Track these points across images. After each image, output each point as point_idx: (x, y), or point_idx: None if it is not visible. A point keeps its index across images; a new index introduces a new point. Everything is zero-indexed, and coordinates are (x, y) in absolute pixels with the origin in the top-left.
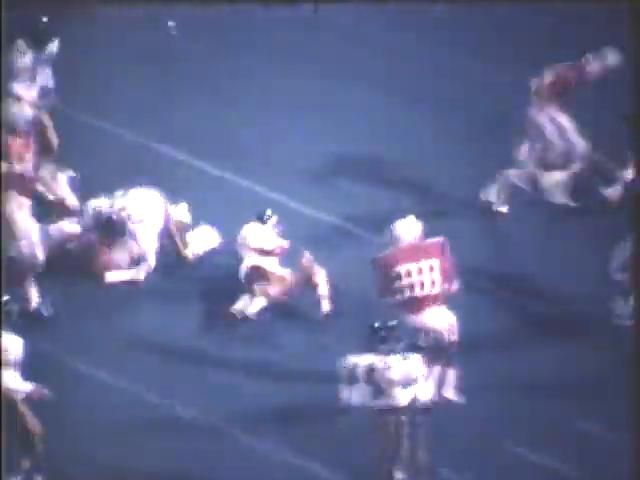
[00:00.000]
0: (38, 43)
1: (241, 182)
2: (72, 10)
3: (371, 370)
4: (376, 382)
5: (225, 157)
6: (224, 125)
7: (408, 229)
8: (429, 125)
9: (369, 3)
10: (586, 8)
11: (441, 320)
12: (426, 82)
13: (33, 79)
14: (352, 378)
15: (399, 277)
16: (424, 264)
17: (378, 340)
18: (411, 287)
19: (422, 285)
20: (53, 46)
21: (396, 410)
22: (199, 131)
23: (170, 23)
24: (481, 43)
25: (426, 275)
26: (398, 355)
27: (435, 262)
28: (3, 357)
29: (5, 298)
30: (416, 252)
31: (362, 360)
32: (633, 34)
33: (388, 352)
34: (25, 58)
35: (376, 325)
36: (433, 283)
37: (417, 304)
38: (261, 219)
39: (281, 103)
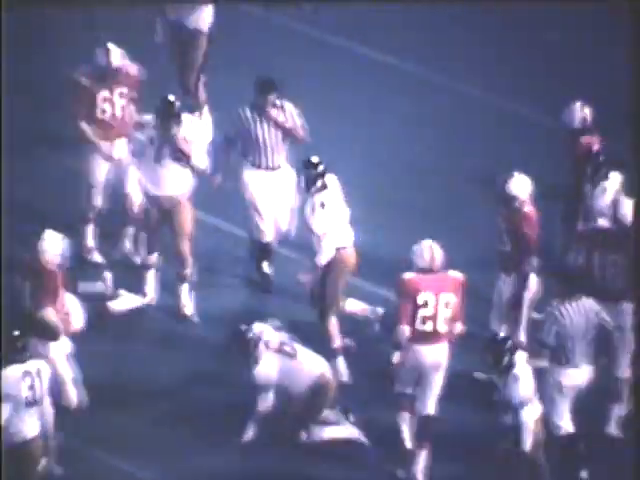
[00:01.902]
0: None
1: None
2: None
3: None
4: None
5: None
6: None
7: (429, 253)
8: (436, 125)
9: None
10: (586, 8)
11: (441, 357)
12: (429, 83)
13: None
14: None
15: (424, 304)
16: (442, 297)
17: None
18: (425, 318)
19: (435, 318)
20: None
21: None
22: None
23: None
24: (480, 42)
25: (441, 309)
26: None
27: (452, 298)
28: None
29: None
30: (438, 282)
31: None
32: (633, 34)
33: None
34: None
35: (501, 336)
36: (444, 319)
37: (425, 336)
38: None
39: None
